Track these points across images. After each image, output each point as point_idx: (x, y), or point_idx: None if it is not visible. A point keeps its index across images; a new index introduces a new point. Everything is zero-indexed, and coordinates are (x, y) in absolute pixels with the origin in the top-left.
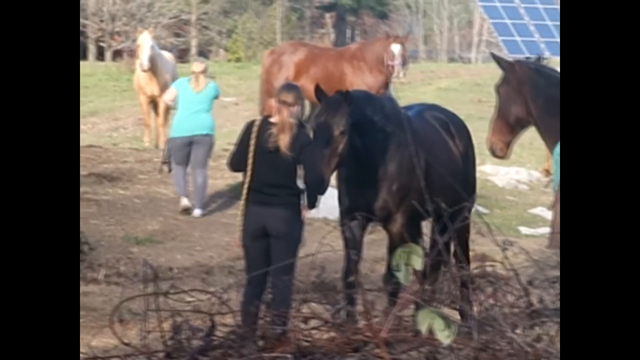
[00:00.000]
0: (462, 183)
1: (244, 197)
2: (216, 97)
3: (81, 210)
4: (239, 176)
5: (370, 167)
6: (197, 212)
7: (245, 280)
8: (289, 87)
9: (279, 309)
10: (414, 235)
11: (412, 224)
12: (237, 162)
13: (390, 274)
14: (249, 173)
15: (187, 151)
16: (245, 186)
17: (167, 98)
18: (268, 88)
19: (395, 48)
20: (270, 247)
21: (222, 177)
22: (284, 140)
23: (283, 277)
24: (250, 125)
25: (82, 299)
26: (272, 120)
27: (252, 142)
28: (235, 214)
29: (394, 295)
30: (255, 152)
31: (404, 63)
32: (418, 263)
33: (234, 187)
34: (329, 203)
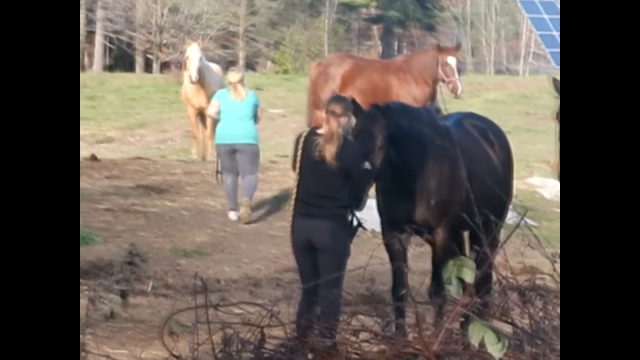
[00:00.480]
0: (503, 192)
1: (292, 209)
2: (257, 105)
3: (129, 222)
4: (286, 188)
5: (408, 180)
6: (231, 215)
7: (294, 292)
8: (338, 98)
9: (328, 322)
10: (459, 247)
11: (456, 236)
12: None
13: (436, 286)
14: (296, 184)
15: (232, 158)
16: (293, 197)
17: (211, 112)
18: (315, 100)
19: (452, 61)
20: (317, 259)
21: (269, 189)
22: (330, 151)
23: (330, 290)
24: (298, 137)
25: (131, 311)
26: (320, 131)
27: (299, 153)
28: (282, 226)
29: (442, 308)
30: (302, 163)
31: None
32: (469, 276)
33: (281, 199)
34: (377, 215)
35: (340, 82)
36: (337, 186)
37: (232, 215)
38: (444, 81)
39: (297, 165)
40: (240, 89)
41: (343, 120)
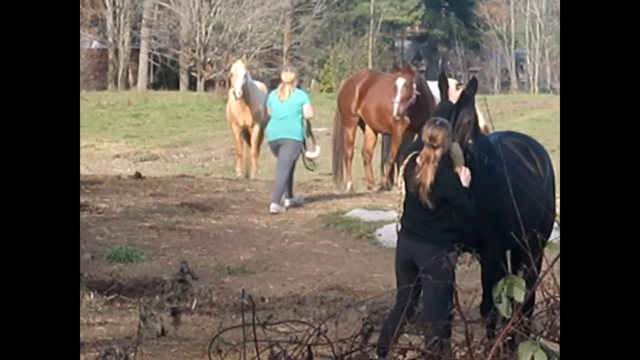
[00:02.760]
0: (546, 209)
1: (398, 224)
2: (304, 103)
3: (173, 240)
4: (330, 206)
5: None
6: (272, 206)
7: (339, 310)
8: (438, 124)
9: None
10: (505, 265)
11: (504, 254)
12: None
13: (487, 305)
14: (402, 202)
15: (277, 152)
16: (399, 214)
17: (269, 114)
18: (339, 114)
19: (399, 82)
20: (420, 279)
21: (314, 207)
22: (425, 183)
23: (434, 316)
24: (404, 159)
25: (175, 329)
26: (419, 159)
27: (402, 180)
28: (327, 244)
29: (491, 326)
30: (405, 187)
31: (406, 98)
32: (520, 295)
33: (325, 218)
34: None
35: (358, 94)
36: (439, 213)
37: (273, 206)
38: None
39: (401, 187)
40: (286, 90)
41: (440, 151)
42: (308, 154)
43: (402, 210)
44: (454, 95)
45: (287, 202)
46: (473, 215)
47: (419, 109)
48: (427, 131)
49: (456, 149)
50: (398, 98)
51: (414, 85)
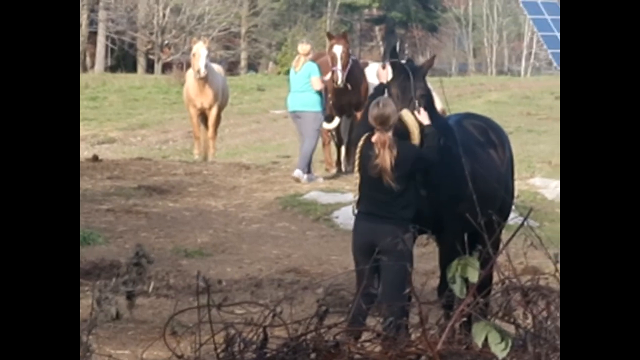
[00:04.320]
0: (504, 191)
1: (354, 207)
2: (312, 75)
3: (131, 222)
4: (288, 189)
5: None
6: (296, 172)
7: (295, 292)
8: (382, 108)
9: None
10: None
11: (461, 236)
12: None
13: (444, 286)
14: (358, 185)
15: (298, 123)
16: (356, 197)
17: None
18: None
19: (337, 50)
20: (379, 262)
21: (271, 190)
22: (386, 164)
23: (394, 299)
24: (357, 142)
25: (132, 312)
26: (374, 139)
27: (357, 162)
28: (284, 227)
29: (447, 307)
30: (361, 170)
31: (345, 67)
32: (474, 276)
33: (283, 200)
34: None
35: None
36: (401, 193)
37: (296, 172)
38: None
39: (356, 169)
40: (300, 61)
41: (391, 131)
42: (325, 125)
43: (359, 193)
44: (383, 76)
45: (296, 172)
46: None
47: (356, 77)
48: (373, 113)
49: (406, 114)
50: (339, 65)
51: (350, 51)
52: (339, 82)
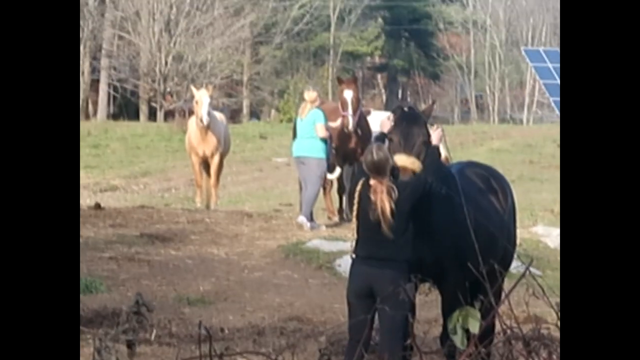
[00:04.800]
0: (507, 240)
1: (351, 252)
2: (317, 122)
3: (133, 270)
4: (290, 237)
5: (423, 222)
6: (300, 218)
7: (298, 340)
8: (379, 160)
9: None
10: (465, 296)
11: (462, 285)
12: None
13: (447, 335)
14: (355, 229)
15: (302, 169)
16: (354, 240)
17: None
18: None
19: (347, 95)
20: (377, 308)
21: (273, 238)
22: (385, 210)
23: (394, 349)
24: (355, 186)
25: None
26: (372, 182)
27: (355, 207)
28: (286, 275)
29: (449, 357)
30: (358, 213)
31: (355, 112)
32: (475, 326)
33: (285, 248)
34: None
35: None
36: (401, 238)
37: (300, 218)
38: (341, 115)
39: (354, 214)
40: (306, 108)
41: (386, 178)
42: (327, 175)
43: (356, 237)
44: (386, 126)
45: (300, 219)
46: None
47: (362, 123)
48: (367, 160)
49: (400, 159)
50: (350, 110)
51: (360, 96)
52: (350, 127)
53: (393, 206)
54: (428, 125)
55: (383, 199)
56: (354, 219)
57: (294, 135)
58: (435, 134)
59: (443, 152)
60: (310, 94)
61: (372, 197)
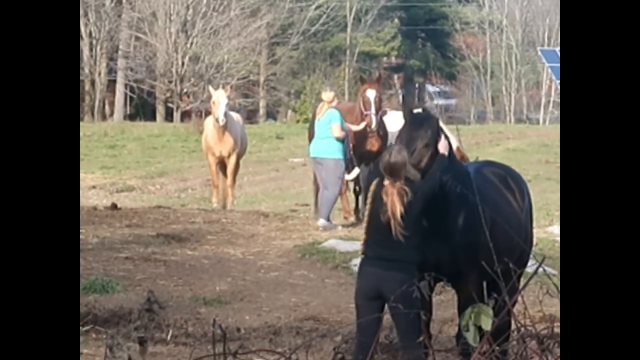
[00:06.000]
0: (524, 239)
1: (361, 252)
2: (333, 122)
3: (149, 270)
4: (306, 237)
5: (438, 220)
6: (319, 222)
7: (313, 340)
8: (395, 160)
9: None
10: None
11: (479, 284)
12: None
13: (462, 334)
14: (365, 228)
15: (319, 170)
16: (362, 239)
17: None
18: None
19: (370, 94)
20: (386, 310)
21: (289, 238)
22: (396, 212)
23: (408, 345)
24: (369, 184)
25: (145, 358)
26: (385, 183)
27: (369, 207)
28: (302, 275)
29: (464, 355)
30: (371, 213)
31: (378, 111)
32: (487, 324)
33: (301, 248)
34: None
35: None
36: (409, 234)
37: (320, 221)
38: (362, 115)
39: (366, 213)
40: (324, 108)
41: (400, 182)
42: (346, 176)
43: (365, 237)
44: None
45: (319, 222)
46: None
47: (382, 124)
48: (384, 161)
49: (413, 173)
50: (373, 109)
51: (383, 96)
52: (373, 126)
53: (403, 209)
54: (443, 125)
55: (394, 201)
56: (366, 218)
57: (309, 137)
58: (440, 144)
59: (455, 143)
60: (327, 94)
61: (384, 198)
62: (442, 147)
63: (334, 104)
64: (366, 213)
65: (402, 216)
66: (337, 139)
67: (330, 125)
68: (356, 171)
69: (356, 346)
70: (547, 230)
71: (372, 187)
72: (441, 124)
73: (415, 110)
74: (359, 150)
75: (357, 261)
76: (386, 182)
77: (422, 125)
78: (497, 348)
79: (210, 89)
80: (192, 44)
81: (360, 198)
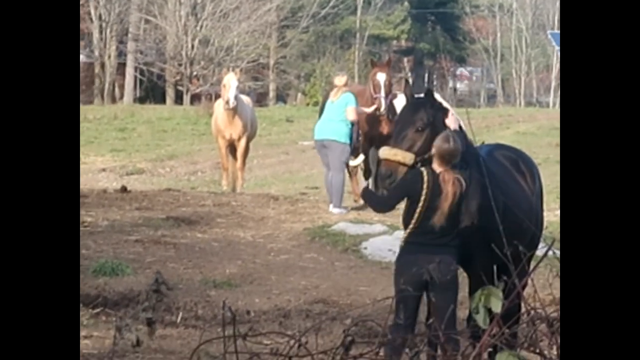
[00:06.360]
0: (535, 223)
1: (405, 239)
2: (349, 105)
3: (159, 253)
4: (316, 220)
5: None
6: (333, 210)
7: (323, 323)
8: (450, 146)
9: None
10: (492, 278)
11: (489, 267)
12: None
13: (471, 317)
14: (416, 216)
15: (324, 153)
16: (410, 227)
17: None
18: None
19: (381, 77)
20: (429, 294)
21: (299, 221)
22: (451, 197)
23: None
24: (418, 175)
25: (160, 342)
26: (438, 170)
27: (425, 192)
28: (312, 258)
29: (474, 338)
30: (427, 198)
31: (388, 94)
32: (497, 306)
33: (311, 231)
34: None
35: None
36: (457, 219)
37: (330, 207)
38: (372, 98)
39: (421, 202)
40: (340, 92)
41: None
42: (350, 162)
43: (415, 224)
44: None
45: (333, 210)
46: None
47: (392, 106)
48: (444, 148)
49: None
50: (383, 93)
51: (393, 80)
52: (382, 109)
53: (460, 194)
54: (449, 108)
55: (453, 187)
56: (420, 206)
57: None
58: (449, 120)
59: (456, 121)
60: (340, 79)
61: (442, 185)
62: (452, 122)
63: (347, 87)
64: (420, 202)
65: (456, 201)
66: (347, 124)
67: (345, 108)
68: (361, 157)
69: (393, 328)
70: (557, 213)
71: (425, 177)
72: (445, 105)
73: (416, 95)
74: (370, 134)
75: (367, 244)
76: (441, 169)
77: (417, 110)
78: (507, 331)
79: (225, 73)
80: (202, 26)
81: (370, 181)
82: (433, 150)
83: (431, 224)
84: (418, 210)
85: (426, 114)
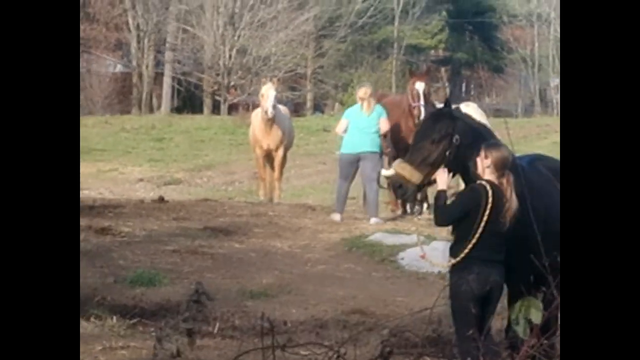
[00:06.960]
0: None
1: (464, 255)
2: (380, 116)
3: (196, 263)
4: (353, 230)
5: None
6: (372, 220)
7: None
8: (503, 154)
9: None
10: (531, 289)
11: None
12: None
13: (510, 327)
14: (479, 231)
15: (354, 167)
16: (472, 242)
17: (339, 130)
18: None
19: (420, 86)
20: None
21: (336, 231)
22: (511, 212)
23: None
24: (481, 190)
25: (198, 353)
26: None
27: (489, 206)
28: (349, 268)
29: (512, 349)
30: (491, 214)
31: (427, 102)
32: (537, 317)
33: (348, 241)
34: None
35: None
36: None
37: (335, 217)
38: (410, 107)
39: (485, 215)
40: (371, 104)
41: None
42: (383, 172)
43: (478, 239)
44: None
45: (373, 221)
46: None
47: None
48: (498, 156)
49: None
50: (422, 101)
51: (431, 90)
52: (422, 117)
53: (515, 212)
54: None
55: (513, 196)
56: (483, 220)
57: (345, 129)
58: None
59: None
60: (366, 90)
61: (507, 195)
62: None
63: (373, 96)
64: (485, 216)
65: (513, 208)
66: (379, 135)
67: (378, 119)
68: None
69: (464, 340)
70: None
71: (490, 190)
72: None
73: (438, 106)
74: (404, 143)
75: (404, 255)
76: (500, 180)
77: (435, 121)
78: (546, 342)
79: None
80: (239, 36)
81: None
82: (488, 161)
83: (493, 238)
84: (482, 224)
85: (445, 125)
